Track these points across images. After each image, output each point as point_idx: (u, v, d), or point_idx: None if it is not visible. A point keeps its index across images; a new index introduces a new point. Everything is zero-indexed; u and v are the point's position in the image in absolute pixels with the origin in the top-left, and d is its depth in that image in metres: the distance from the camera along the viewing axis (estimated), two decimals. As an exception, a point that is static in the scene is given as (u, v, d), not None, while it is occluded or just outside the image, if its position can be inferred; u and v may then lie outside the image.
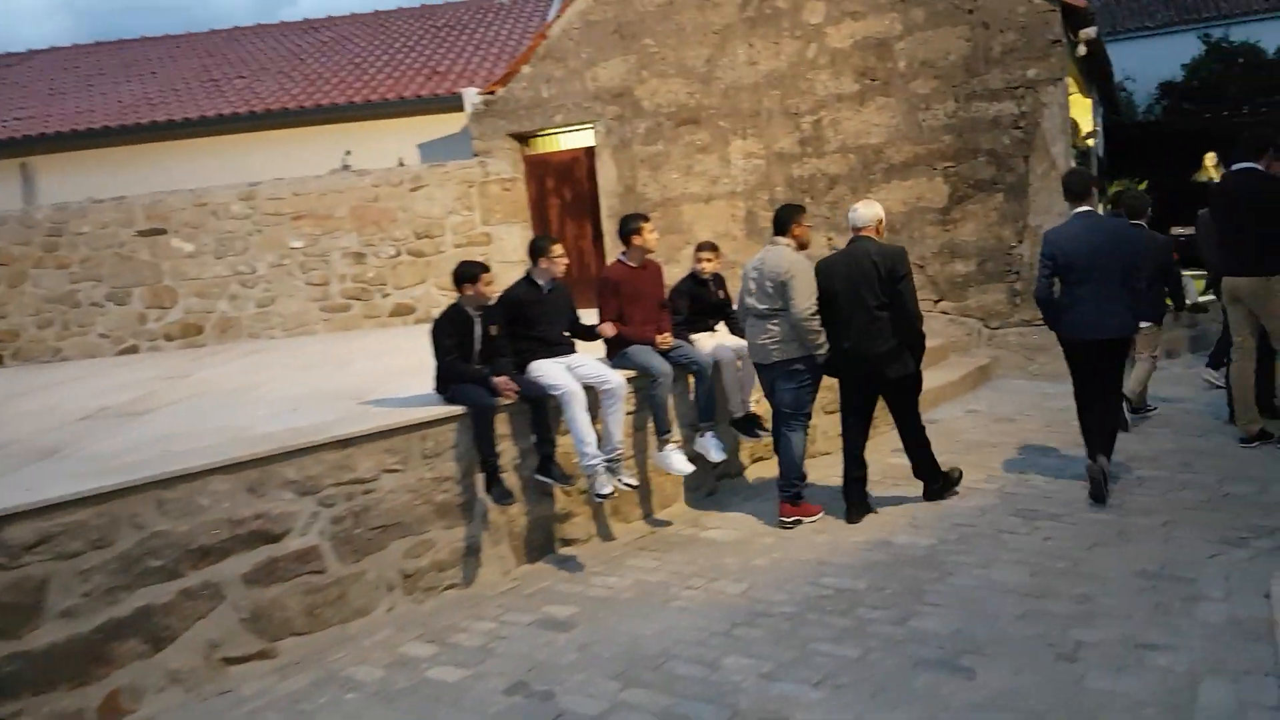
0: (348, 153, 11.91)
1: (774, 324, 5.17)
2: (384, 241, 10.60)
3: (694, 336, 5.87)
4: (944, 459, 5.50)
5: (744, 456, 6.25)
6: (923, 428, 5.37)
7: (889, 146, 9.01)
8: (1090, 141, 11.17)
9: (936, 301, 8.87)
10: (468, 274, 4.99)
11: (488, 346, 5.04)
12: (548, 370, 5.07)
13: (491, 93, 10.81)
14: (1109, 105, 17.54)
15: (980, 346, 8.71)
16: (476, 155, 10.78)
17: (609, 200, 10.30)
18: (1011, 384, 8.37)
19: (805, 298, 5.03)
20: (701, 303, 5.99)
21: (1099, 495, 5.07)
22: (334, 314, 10.63)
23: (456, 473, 4.77)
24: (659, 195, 10.10)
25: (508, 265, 10.06)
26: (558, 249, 5.32)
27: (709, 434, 5.60)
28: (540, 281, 5.30)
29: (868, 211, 5.26)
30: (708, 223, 9.85)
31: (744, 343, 5.56)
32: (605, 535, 5.37)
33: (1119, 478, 5.40)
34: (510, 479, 4.88)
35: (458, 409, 4.78)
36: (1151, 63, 20.64)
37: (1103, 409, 5.24)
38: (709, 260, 5.99)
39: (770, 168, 9.54)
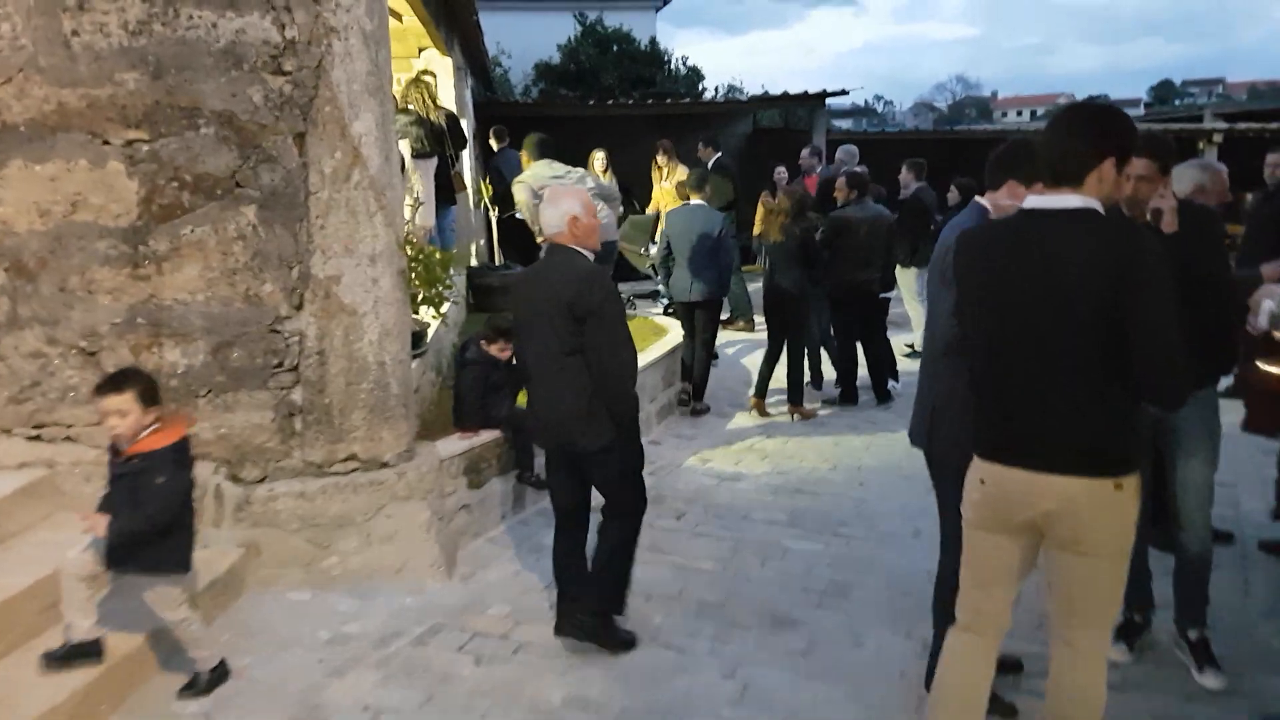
0: None
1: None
2: None
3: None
4: None
5: None
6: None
7: (3, 83, 3.93)
8: (431, 112, 7.43)
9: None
10: None
11: None
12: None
13: None
14: (482, 79, 14.33)
15: (224, 524, 4.15)
16: None
17: None
18: (287, 604, 4.02)
19: None
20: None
21: None
22: None
23: None
24: None
25: None
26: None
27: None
28: None
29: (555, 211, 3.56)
30: None
31: None
32: None
33: None
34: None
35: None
36: (527, 40, 18.30)
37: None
38: None
39: None
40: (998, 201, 3.06)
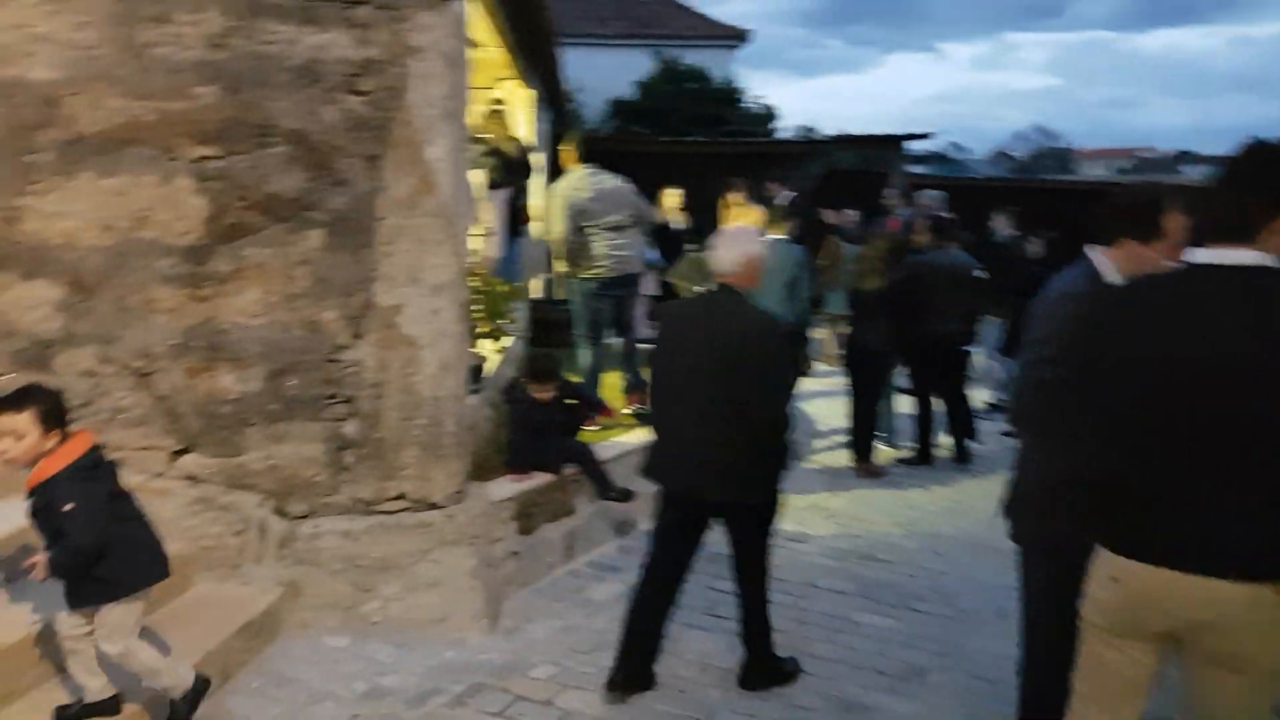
0: None
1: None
2: None
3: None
4: None
5: None
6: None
7: (76, 94, 3.87)
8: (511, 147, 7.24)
9: (176, 454, 3.96)
10: None
11: None
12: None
13: None
14: (559, 113, 14.34)
15: (265, 561, 3.97)
16: None
17: None
18: (321, 649, 3.81)
19: None
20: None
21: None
22: None
23: None
24: None
25: None
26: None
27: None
28: None
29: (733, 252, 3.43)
30: None
31: None
32: None
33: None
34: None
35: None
36: (603, 76, 18.35)
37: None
38: None
39: None
40: (1122, 258, 2.74)
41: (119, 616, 2.85)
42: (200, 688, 3.06)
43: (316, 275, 3.94)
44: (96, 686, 2.92)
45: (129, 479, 3.86)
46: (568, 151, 6.49)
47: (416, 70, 3.91)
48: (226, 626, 3.60)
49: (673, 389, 3.44)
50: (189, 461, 3.94)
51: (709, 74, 19.29)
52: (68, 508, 2.71)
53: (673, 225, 8.54)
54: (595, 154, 6.49)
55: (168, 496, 3.88)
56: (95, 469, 2.85)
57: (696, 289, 9.82)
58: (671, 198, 8.79)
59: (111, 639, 2.85)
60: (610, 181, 6.34)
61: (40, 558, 2.74)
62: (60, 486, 2.73)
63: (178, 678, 3.01)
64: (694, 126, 17.95)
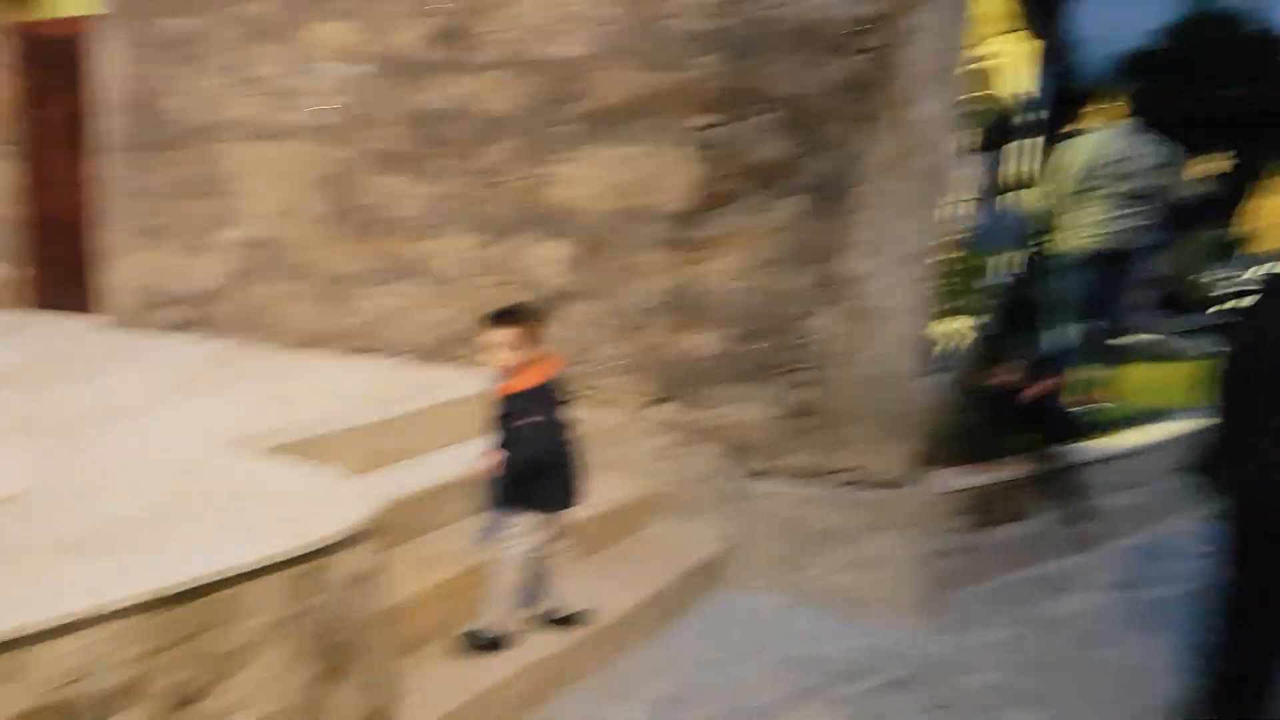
0: None
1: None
2: None
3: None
4: None
5: None
6: None
7: (598, 68, 4.32)
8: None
9: (653, 403, 4.32)
10: None
11: None
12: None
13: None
14: (1063, 67, 13.02)
15: (715, 507, 4.18)
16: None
17: (118, 122, 5.45)
18: (757, 605, 3.94)
19: None
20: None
21: None
22: None
23: None
24: (190, 116, 5.26)
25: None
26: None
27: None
28: None
29: None
30: (266, 182, 5.09)
31: None
32: None
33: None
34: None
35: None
36: (1111, 25, 16.25)
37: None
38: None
39: (382, 84, 4.77)
40: None
41: (524, 529, 3.11)
42: (495, 645, 3.14)
43: (792, 241, 3.99)
44: (498, 621, 3.15)
45: (611, 419, 4.33)
46: (1085, 109, 5.89)
47: (913, 25, 3.73)
48: (673, 569, 3.87)
49: (1262, 381, 2.66)
50: (663, 410, 4.28)
51: (1250, 15, 16.16)
52: (522, 423, 3.02)
53: (1193, 198, 7.32)
54: (1112, 111, 5.75)
55: (641, 440, 4.26)
56: (555, 395, 3.13)
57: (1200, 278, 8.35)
58: (1205, 164, 7.51)
59: (509, 547, 3.12)
60: (1132, 143, 5.61)
61: (494, 454, 3.07)
62: (524, 402, 3.03)
63: (501, 621, 3.16)
64: (1229, 79, 15.19)
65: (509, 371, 3.05)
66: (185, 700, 2.26)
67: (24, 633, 2.00)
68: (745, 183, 4.07)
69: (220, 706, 2.32)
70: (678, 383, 4.24)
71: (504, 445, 3.06)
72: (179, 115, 5.26)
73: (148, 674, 2.19)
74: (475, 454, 3.14)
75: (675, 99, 4.15)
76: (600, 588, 3.56)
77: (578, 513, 3.27)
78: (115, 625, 2.12)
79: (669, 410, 4.27)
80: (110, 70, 5.40)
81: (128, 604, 2.12)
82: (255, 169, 5.09)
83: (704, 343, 4.17)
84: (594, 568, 3.75)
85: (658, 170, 4.19)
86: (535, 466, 3.06)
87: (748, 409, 4.12)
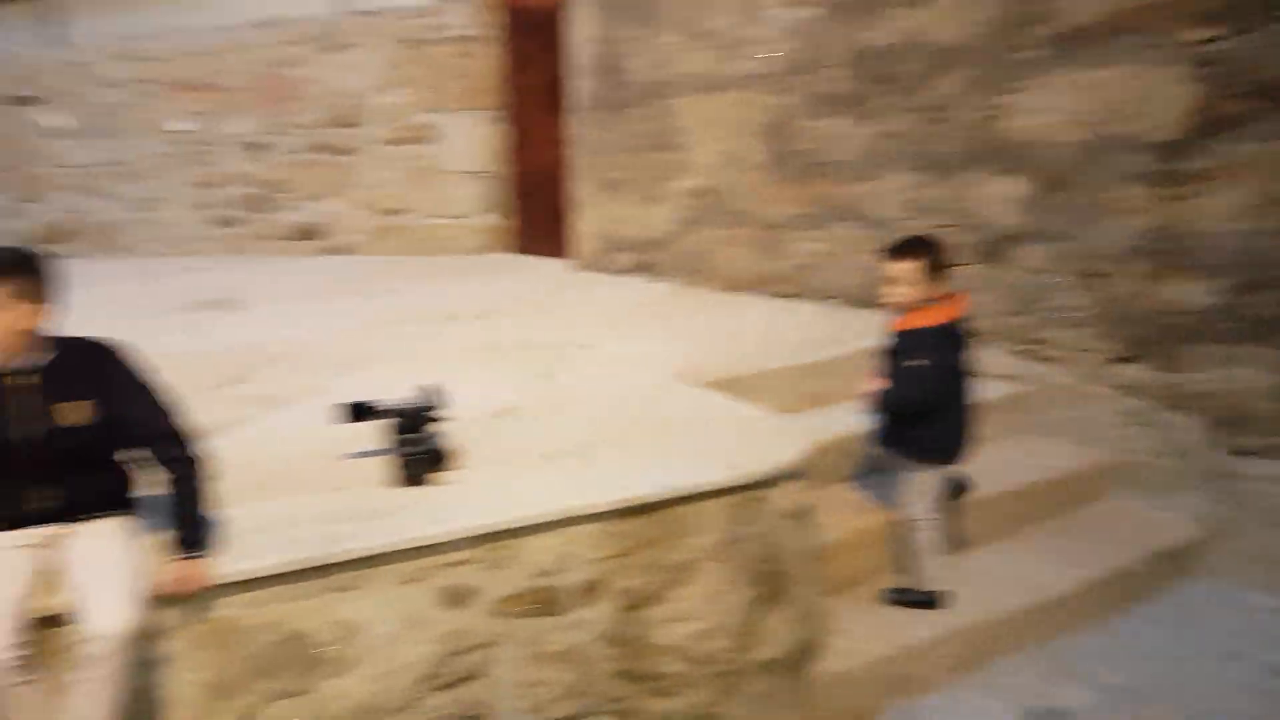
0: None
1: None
2: (289, 128, 7.21)
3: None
4: None
5: None
6: None
7: (1068, -14, 3.86)
8: None
9: (1115, 361, 3.83)
10: None
11: None
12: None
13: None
14: None
15: (1191, 486, 3.60)
16: (426, -2, 6.86)
17: (586, 84, 6.02)
18: (1238, 601, 3.33)
19: None
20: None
21: None
22: (220, 229, 7.56)
23: None
24: (647, 74, 5.63)
25: (454, 178, 6.79)
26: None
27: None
28: None
29: None
30: (712, 133, 5.30)
31: None
32: None
33: None
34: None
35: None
36: None
37: None
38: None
39: (829, 25, 4.70)
40: None
41: (921, 481, 2.93)
42: (928, 603, 2.99)
43: (1316, 175, 3.26)
44: (922, 578, 3.02)
45: (1061, 377, 3.93)
46: None
47: None
48: (1136, 549, 3.42)
49: None
50: (1126, 370, 3.77)
51: None
52: (915, 363, 2.80)
53: None
54: None
55: (1098, 402, 3.81)
56: (956, 337, 2.88)
57: None
58: None
59: (913, 502, 2.96)
60: None
61: (879, 383, 2.89)
62: (922, 341, 2.82)
63: (924, 580, 3.01)
64: None
65: (907, 307, 2.86)
66: (640, 602, 2.48)
67: (520, 524, 2.31)
68: (1255, 105, 3.38)
69: (669, 613, 2.51)
70: (1150, 339, 3.70)
71: (890, 382, 2.90)
72: (638, 74, 5.68)
73: (611, 574, 2.43)
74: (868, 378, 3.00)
75: (1166, 10, 3.56)
76: (1037, 563, 3.29)
77: (1010, 477, 3.02)
78: (590, 527, 2.37)
79: (1135, 371, 3.75)
80: (581, 35, 5.98)
81: (601, 509, 2.36)
82: (703, 121, 5.34)
83: (1189, 294, 3.58)
84: (1030, 541, 3.46)
85: (1140, 93, 3.64)
86: (917, 410, 2.86)
87: (1242, 374, 3.48)
